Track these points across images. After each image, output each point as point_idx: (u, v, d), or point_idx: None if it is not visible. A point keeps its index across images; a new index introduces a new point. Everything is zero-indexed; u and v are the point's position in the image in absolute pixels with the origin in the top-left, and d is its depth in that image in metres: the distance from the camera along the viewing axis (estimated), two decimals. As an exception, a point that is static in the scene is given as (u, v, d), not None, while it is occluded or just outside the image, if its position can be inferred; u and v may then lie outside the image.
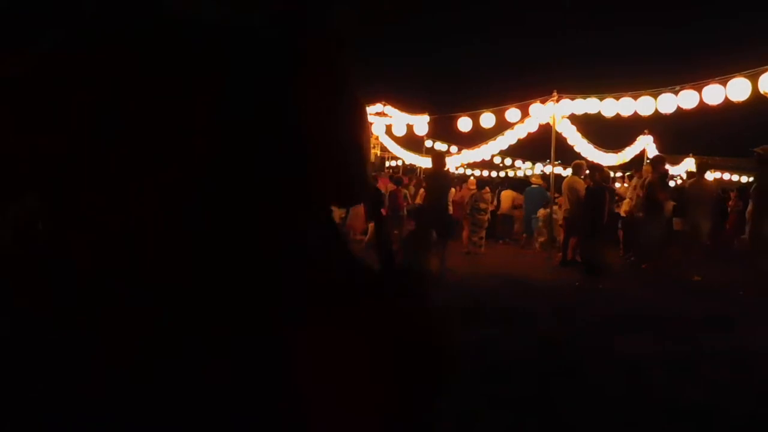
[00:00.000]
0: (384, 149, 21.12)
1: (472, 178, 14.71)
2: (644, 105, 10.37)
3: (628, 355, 4.38)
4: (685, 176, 11.32)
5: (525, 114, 12.70)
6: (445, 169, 9.04)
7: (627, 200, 10.38)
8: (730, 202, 12.91)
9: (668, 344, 4.72)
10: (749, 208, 7.68)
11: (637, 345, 4.60)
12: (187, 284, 0.74)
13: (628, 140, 16.37)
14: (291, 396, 0.78)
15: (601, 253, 8.11)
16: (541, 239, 11.61)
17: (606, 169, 10.31)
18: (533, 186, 13.47)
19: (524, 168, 23.82)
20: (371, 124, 0.98)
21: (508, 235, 13.58)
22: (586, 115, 11.72)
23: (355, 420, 0.80)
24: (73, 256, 0.72)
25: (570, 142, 13.81)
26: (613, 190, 10.33)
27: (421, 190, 11.14)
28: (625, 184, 12.39)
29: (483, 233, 11.36)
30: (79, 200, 0.75)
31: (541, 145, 14.14)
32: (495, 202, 13.54)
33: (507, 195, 13.94)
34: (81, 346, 0.72)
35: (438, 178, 8.42)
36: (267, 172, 0.78)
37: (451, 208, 11.04)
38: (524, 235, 12.70)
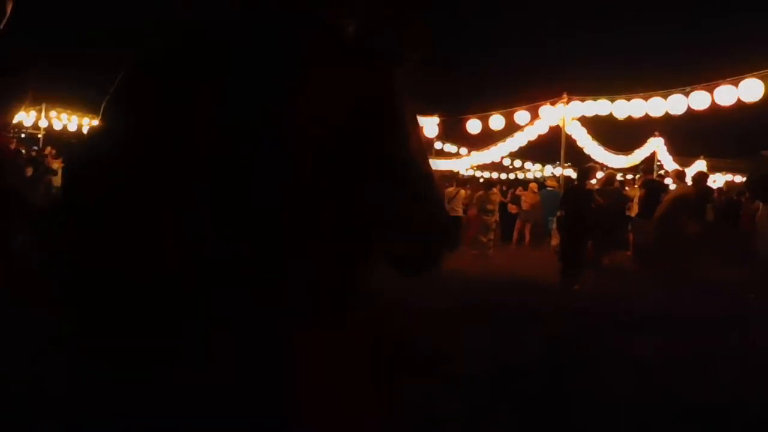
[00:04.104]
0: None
1: (533, 183, 14.85)
2: (655, 106, 10.31)
3: (637, 355, 4.35)
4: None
5: (535, 116, 12.67)
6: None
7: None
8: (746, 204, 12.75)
9: (678, 345, 4.68)
10: (760, 211, 7.63)
11: (647, 345, 4.56)
12: (189, 285, 0.73)
13: (639, 142, 16.29)
14: (292, 394, 0.77)
15: (583, 257, 7.97)
16: (555, 242, 11.57)
17: (611, 170, 10.22)
18: (548, 188, 13.43)
19: (534, 170, 23.75)
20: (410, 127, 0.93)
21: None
22: (596, 117, 11.68)
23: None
24: (75, 257, 0.72)
25: (580, 144, 13.76)
26: (619, 191, 10.26)
27: None
28: (636, 186, 12.31)
29: (492, 234, 11.33)
30: (80, 201, 0.74)
31: (551, 147, 14.10)
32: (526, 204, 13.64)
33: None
34: (84, 345, 0.72)
35: None
36: (270, 174, 0.77)
37: (460, 210, 11.10)
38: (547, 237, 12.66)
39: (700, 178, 9.52)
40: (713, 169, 18.82)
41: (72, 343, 0.73)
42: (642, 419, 3.26)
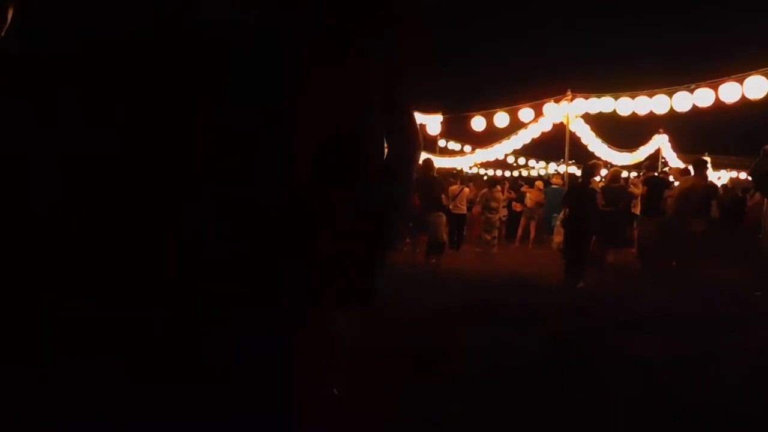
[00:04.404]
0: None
1: (539, 181, 14.88)
2: (659, 104, 10.27)
3: (638, 355, 4.34)
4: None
5: (539, 113, 12.63)
6: (433, 173, 9.24)
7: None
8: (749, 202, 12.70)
9: (679, 345, 4.67)
10: (766, 206, 7.60)
11: (647, 345, 4.55)
12: (189, 285, 0.74)
13: (643, 139, 16.22)
14: (290, 393, 0.78)
15: (586, 255, 7.92)
16: (558, 239, 11.56)
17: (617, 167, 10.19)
18: (553, 186, 13.41)
19: (538, 167, 23.68)
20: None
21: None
22: (600, 114, 11.64)
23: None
24: (75, 257, 0.72)
25: (584, 141, 13.72)
26: (624, 188, 10.23)
27: None
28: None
29: (495, 233, 11.32)
30: (80, 201, 0.75)
31: (555, 144, 14.07)
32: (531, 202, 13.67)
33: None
34: (85, 346, 0.72)
35: (426, 183, 8.70)
36: (270, 174, 0.77)
37: (463, 207, 11.12)
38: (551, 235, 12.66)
39: (701, 165, 9.29)
40: (718, 166, 18.70)
41: (71, 343, 0.73)
42: (642, 419, 3.25)
